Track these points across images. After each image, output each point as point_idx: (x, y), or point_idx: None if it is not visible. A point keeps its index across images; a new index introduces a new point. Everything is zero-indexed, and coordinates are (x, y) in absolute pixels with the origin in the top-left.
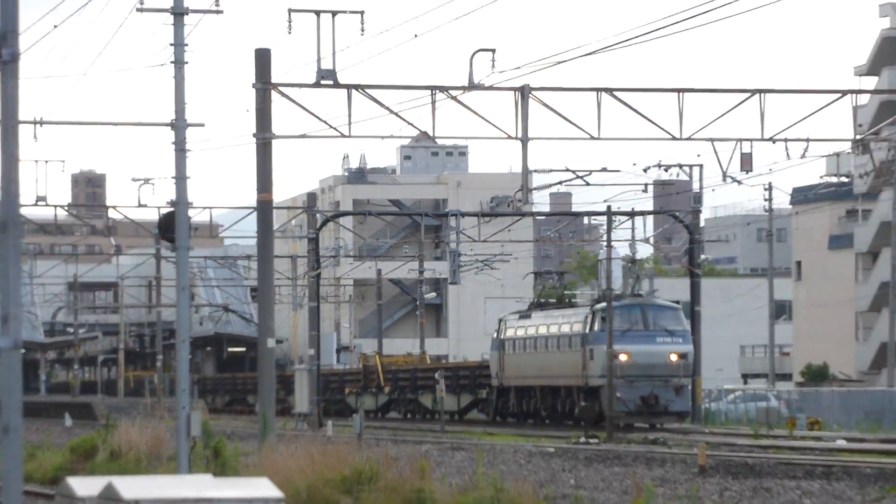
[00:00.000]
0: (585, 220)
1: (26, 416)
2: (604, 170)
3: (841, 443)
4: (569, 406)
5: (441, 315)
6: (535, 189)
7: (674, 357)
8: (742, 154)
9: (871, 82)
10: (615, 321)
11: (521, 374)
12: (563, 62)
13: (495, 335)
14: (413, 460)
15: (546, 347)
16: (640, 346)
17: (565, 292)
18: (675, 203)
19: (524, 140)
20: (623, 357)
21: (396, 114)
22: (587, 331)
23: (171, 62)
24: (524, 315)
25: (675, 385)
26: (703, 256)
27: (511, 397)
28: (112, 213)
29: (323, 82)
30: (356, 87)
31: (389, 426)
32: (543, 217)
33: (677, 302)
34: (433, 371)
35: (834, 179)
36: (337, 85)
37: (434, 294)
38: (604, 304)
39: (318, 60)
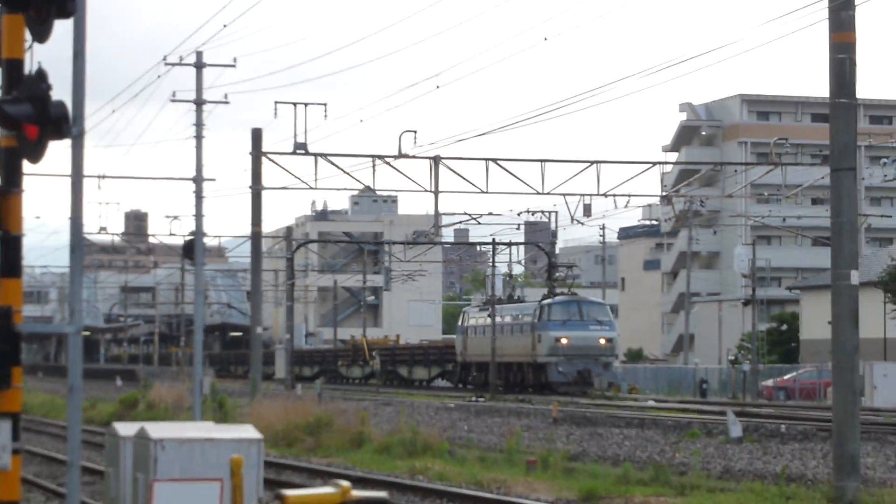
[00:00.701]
0: (478, 247)
1: (89, 378)
2: (490, 214)
3: (650, 403)
4: (519, 377)
5: (378, 312)
6: (443, 226)
7: (602, 341)
8: (584, 204)
9: (673, 156)
10: (558, 313)
11: (480, 352)
12: (463, 140)
13: (460, 323)
14: (357, 412)
15: (502, 333)
16: (576, 332)
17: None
18: (539, 237)
19: (436, 192)
20: (564, 340)
21: (348, 173)
22: (536, 320)
23: (193, 136)
24: (483, 308)
25: (603, 362)
26: (557, 273)
27: (472, 370)
28: (151, 240)
29: (297, 151)
30: (321, 154)
31: (342, 388)
32: (449, 245)
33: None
34: (407, 350)
35: (647, 222)
36: (307, 153)
37: (373, 297)
38: (549, 301)
39: (295, 136)
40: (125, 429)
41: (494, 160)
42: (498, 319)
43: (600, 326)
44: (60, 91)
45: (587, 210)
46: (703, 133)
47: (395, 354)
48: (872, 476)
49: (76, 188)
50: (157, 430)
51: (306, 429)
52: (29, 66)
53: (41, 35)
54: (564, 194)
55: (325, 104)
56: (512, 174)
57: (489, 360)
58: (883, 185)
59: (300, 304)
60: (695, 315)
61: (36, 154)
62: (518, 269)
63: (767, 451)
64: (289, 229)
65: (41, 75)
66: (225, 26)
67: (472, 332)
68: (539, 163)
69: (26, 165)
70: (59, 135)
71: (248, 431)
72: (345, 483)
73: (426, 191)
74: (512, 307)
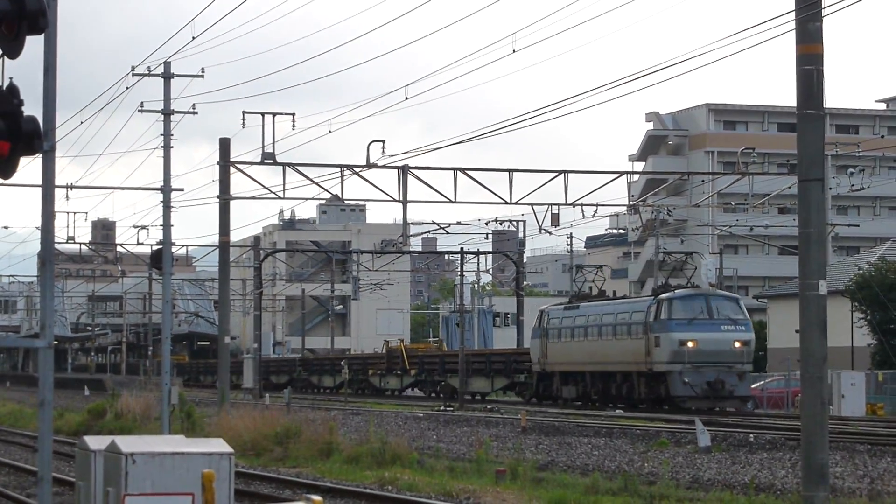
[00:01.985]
0: (446, 256)
1: (57, 387)
2: (458, 223)
3: (619, 412)
4: (625, 390)
5: (346, 321)
6: (411, 235)
7: (737, 344)
8: (552, 214)
9: (640, 166)
10: (681, 309)
11: (567, 360)
12: (431, 150)
13: (537, 325)
14: (325, 422)
15: (599, 335)
16: (706, 333)
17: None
18: (507, 246)
19: (404, 202)
20: (690, 344)
21: (317, 183)
22: (652, 319)
23: (161, 147)
24: (570, 306)
25: (738, 371)
26: (525, 282)
27: (555, 381)
28: (119, 249)
29: (265, 161)
30: (289, 164)
31: (310, 397)
32: (417, 254)
33: (507, 314)
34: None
35: (615, 231)
36: (275, 163)
37: (341, 306)
38: (669, 294)
39: (263, 146)
40: (95, 442)
41: (462, 170)
42: (592, 319)
43: (734, 326)
44: (29, 85)
45: (555, 219)
46: (670, 142)
47: (445, 363)
48: (841, 486)
49: (47, 202)
50: (128, 443)
51: (275, 438)
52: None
53: (12, 51)
54: (532, 204)
55: (293, 114)
56: (480, 184)
57: (580, 369)
58: (850, 194)
59: (268, 314)
60: None
61: (7, 170)
62: (486, 278)
63: (736, 461)
64: (256, 238)
65: (13, 91)
66: (194, 38)
67: (554, 335)
68: (507, 172)
69: None
70: (31, 150)
71: (219, 445)
72: (316, 497)
73: (394, 200)
74: (613, 304)
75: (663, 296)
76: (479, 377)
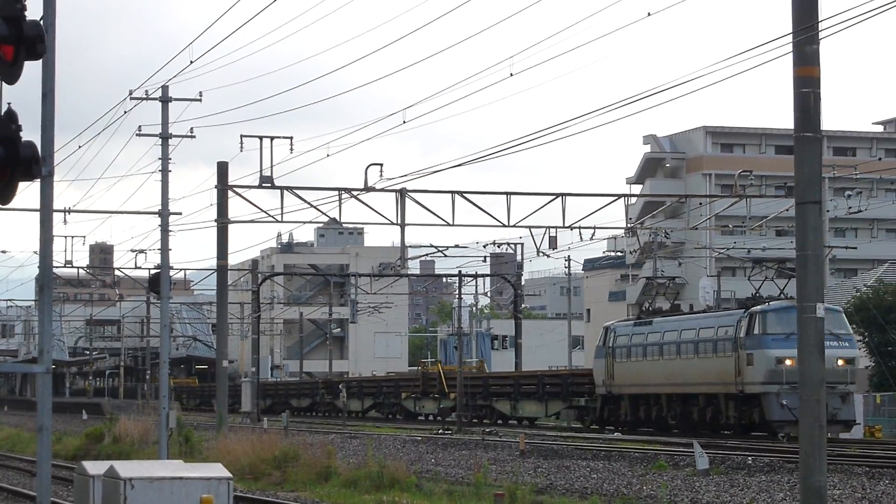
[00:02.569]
0: (444, 279)
1: (55, 412)
2: (456, 246)
3: (617, 434)
4: (710, 414)
5: (344, 344)
6: (410, 258)
7: (840, 362)
8: (550, 237)
9: (638, 188)
10: (776, 324)
11: (638, 381)
12: (429, 173)
13: (601, 343)
14: (323, 445)
15: (678, 353)
16: None
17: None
18: (505, 268)
19: (402, 225)
20: (788, 362)
21: (315, 206)
22: (742, 334)
23: (159, 170)
24: (641, 322)
25: (841, 392)
26: (523, 305)
27: (623, 405)
28: (117, 273)
29: (264, 185)
30: (287, 188)
31: (307, 421)
32: (416, 277)
33: (505, 337)
34: (510, 379)
35: (612, 254)
36: (273, 186)
37: (339, 329)
38: (762, 306)
39: (261, 170)
40: (94, 467)
41: (461, 193)
42: (669, 336)
43: (837, 342)
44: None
45: (552, 242)
46: (668, 165)
47: (489, 385)
48: None
49: (45, 227)
50: (127, 468)
51: (273, 462)
52: None
53: (10, 77)
54: (530, 227)
55: (290, 137)
56: (478, 207)
57: (654, 391)
58: (848, 216)
59: (266, 337)
60: None
61: (6, 195)
62: (484, 301)
63: (734, 484)
64: (254, 262)
65: (11, 116)
66: (192, 62)
67: (622, 354)
68: (505, 195)
69: None
70: (29, 175)
71: (218, 470)
72: None
73: (392, 223)
74: (695, 318)
75: (756, 308)
76: (530, 401)
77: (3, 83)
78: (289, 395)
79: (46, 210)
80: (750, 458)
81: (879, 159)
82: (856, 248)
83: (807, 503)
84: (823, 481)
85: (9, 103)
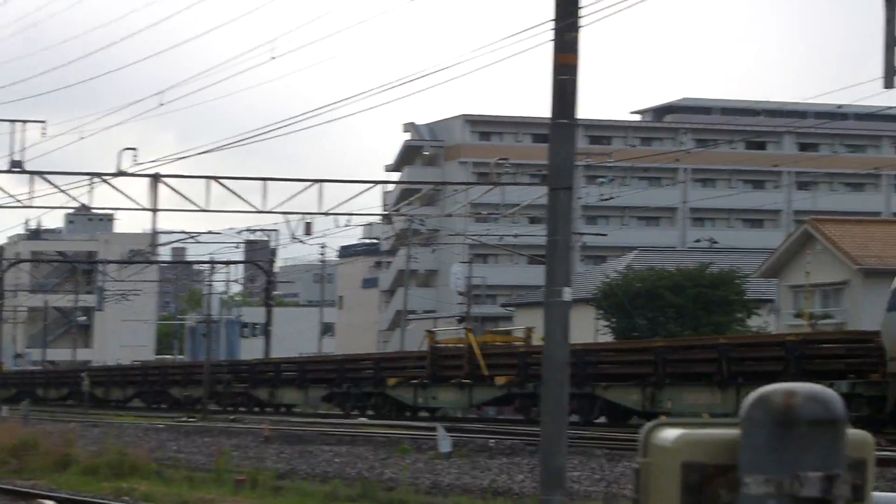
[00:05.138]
0: (196, 266)
1: None
2: (210, 232)
3: (363, 420)
4: None
5: (89, 332)
6: (161, 245)
7: None
8: (306, 223)
9: (396, 176)
10: None
11: None
12: (184, 157)
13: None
14: (63, 433)
15: None
16: None
17: None
18: (259, 255)
19: (154, 211)
20: None
21: (64, 191)
22: None
23: None
24: None
25: None
26: (276, 292)
27: None
28: None
29: (13, 169)
30: (36, 172)
31: (49, 409)
32: (166, 265)
33: (255, 325)
34: (594, 352)
35: (368, 241)
36: (23, 171)
37: (85, 317)
38: None
39: (11, 154)
40: None
41: (216, 178)
42: None
43: None
44: None
45: (308, 228)
46: (426, 153)
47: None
48: (578, 489)
49: None
50: None
51: (11, 451)
52: None
53: None
54: (286, 213)
55: (44, 121)
56: (234, 192)
57: None
58: (599, 203)
59: (9, 325)
60: (411, 332)
61: None
62: (236, 288)
63: (476, 466)
64: (0, 249)
65: None
66: None
67: None
68: (261, 181)
69: None
70: None
71: None
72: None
73: (144, 209)
74: None
75: None
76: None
77: None
78: (35, 385)
79: None
80: (492, 440)
81: (634, 147)
82: (606, 234)
83: (546, 484)
84: (563, 463)
85: None
